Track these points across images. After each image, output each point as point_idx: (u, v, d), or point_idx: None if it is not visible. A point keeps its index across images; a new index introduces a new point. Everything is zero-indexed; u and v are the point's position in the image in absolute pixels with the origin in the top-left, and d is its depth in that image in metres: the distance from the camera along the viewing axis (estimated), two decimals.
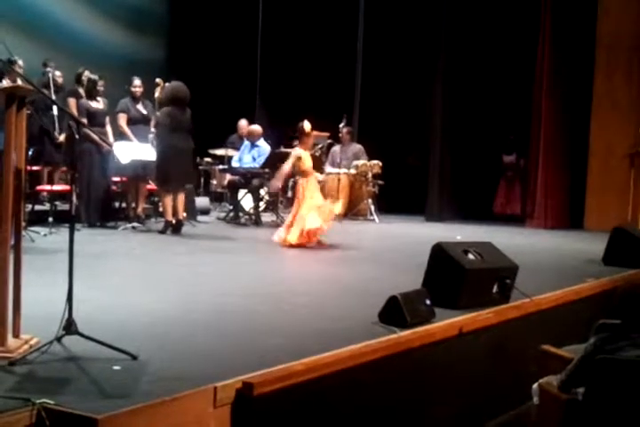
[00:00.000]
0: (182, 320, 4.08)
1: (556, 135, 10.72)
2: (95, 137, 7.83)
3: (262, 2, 13.40)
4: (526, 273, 5.22)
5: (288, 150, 10.52)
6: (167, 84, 8.74)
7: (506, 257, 5.09)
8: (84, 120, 8.50)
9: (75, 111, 8.80)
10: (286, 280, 5.83)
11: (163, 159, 8.38)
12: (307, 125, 7.88)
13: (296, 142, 8.40)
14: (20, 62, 7.97)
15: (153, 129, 9.21)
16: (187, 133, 8.51)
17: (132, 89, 9.13)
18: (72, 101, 9.04)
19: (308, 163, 7.87)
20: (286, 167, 7.98)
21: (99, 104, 8.88)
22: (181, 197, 8.43)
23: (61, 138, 8.92)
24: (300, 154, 7.83)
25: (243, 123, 11.75)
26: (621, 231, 7.06)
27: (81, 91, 9.23)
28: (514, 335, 4.77)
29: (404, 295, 4.17)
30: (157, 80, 9.64)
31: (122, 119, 8.95)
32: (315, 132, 8.40)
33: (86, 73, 9.27)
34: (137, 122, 9.07)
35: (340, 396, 3.43)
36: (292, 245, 7.48)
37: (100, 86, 9.00)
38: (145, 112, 9.21)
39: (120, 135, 8.94)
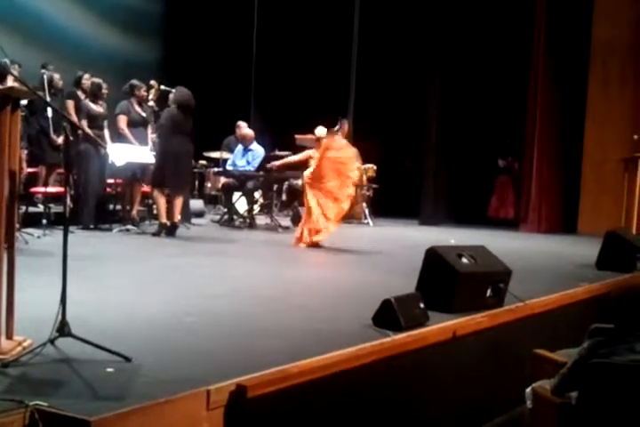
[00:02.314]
0: (176, 322, 4.08)
1: (550, 140, 10.76)
2: (93, 137, 7.86)
3: (258, 5, 13.42)
4: (520, 277, 5.23)
5: (283, 153, 10.55)
6: (180, 88, 8.67)
7: (499, 261, 5.10)
8: (85, 122, 8.53)
9: (73, 113, 8.80)
10: (280, 283, 5.82)
11: (162, 161, 8.37)
12: (318, 131, 8.22)
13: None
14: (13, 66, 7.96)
15: (150, 131, 9.23)
16: (187, 136, 8.50)
17: (144, 93, 9.19)
18: (70, 104, 9.04)
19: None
20: (295, 158, 8.28)
21: (100, 107, 8.88)
22: (179, 201, 8.41)
23: (60, 140, 8.91)
24: (312, 154, 8.13)
25: (242, 124, 11.68)
26: (614, 236, 7.07)
27: (80, 94, 9.23)
28: (507, 339, 4.78)
29: (397, 299, 4.17)
30: (152, 82, 9.63)
31: (122, 121, 8.92)
32: (311, 136, 8.50)
33: (86, 76, 9.27)
34: (137, 124, 9.05)
35: (334, 399, 3.43)
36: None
37: (105, 90, 9.00)
38: (144, 114, 9.21)
39: (119, 137, 8.93)
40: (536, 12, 10.66)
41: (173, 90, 8.82)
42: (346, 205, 7.92)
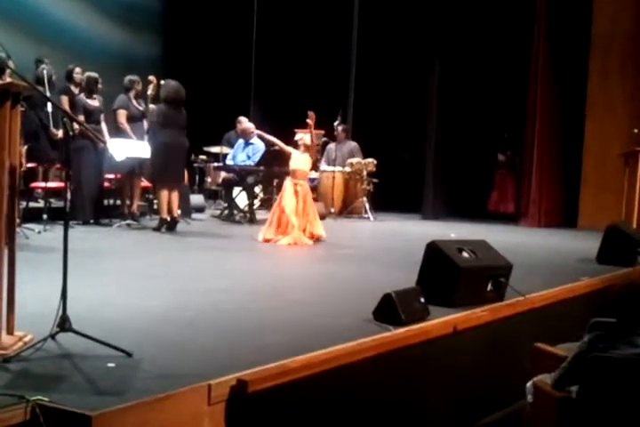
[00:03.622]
0: (177, 317, 4.08)
1: (550, 134, 10.75)
2: (90, 134, 7.83)
3: None
4: (520, 271, 5.23)
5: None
6: (168, 82, 8.67)
7: (500, 255, 5.10)
8: (81, 117, 8.50)
9: (67, 108, 8.77)
10: (281, 278, 5.83)
11: (157, 156, 8.38)
12: (305, 139, 8.09)
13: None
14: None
15: (146, 125, 9.23)
16: (180, 130, 8.50)
17: (142, 87, 9.18)
18: (64, 99, 9.00)
19: (294, 163, 7.97)
20: (281, 144, 8.21)
21: (95, 102, 8.86)
22: (175, 195, 8.42)
23: (60, 134, 8.90)
24: (292, 153, 8.03)
25: (242, 119, 11.66)
26: (615, 230, 7.07)
27: (72, 88, 9.20)
28: (508, 333, 4.78)
29: (398, 293, 4.17)
30: (150, 77, 9.61)
31: (122, 116, 8.91)
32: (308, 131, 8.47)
33: (77, 70, 9.24)
34: (136, 119, 9.05)
35: (335, 393, 3.43)
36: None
37: (100, 84, 8.98)
38: (141, 108, 9.21)
39: (117, 132, 8.91)
40: (536, 4, 10.64)
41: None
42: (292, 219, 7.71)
